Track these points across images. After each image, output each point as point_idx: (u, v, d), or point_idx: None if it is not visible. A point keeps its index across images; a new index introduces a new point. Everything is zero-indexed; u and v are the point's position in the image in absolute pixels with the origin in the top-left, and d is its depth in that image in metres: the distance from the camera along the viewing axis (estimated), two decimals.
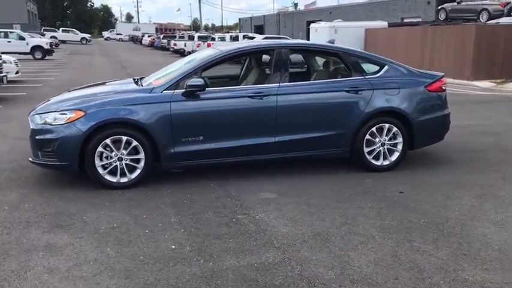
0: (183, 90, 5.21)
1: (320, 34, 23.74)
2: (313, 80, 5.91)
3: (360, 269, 3.43)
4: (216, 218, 4.41)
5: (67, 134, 5.01)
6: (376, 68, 5.91)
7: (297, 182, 5.44)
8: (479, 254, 3.67)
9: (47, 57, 33.15)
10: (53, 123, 5.08)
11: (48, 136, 5.07)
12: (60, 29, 65.08)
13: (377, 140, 5.77)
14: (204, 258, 3.60)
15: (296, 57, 6.99)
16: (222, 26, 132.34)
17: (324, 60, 6.51)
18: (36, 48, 33.07)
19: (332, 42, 6.39)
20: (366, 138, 5.72)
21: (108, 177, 5.17)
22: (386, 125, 5.74)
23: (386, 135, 5.78)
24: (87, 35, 65.54)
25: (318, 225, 4.22)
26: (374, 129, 5.72)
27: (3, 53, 31.91)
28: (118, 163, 5.16)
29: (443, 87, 6.08)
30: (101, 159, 5.13)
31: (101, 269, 3.44)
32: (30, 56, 32.34)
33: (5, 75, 12.65)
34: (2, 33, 33.15)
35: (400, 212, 4.54)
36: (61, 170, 5.25)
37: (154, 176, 5.48)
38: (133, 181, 5.22)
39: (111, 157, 5.13)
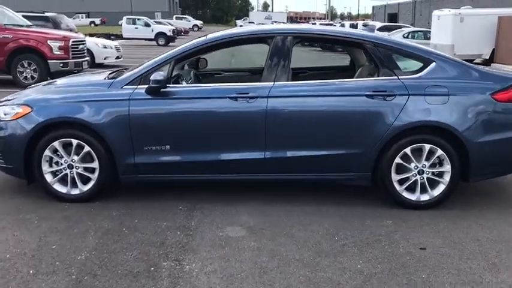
0: (146, 86, 4.13)
1: (443, 23, 20.87)
2: (328, 80, 4.35)
3: None
4: (134, 262, 3.27)
5: (12, 132, 4.24)
6: (419, 65, 4.24)
7: (286, 215, 4.07)
8: None
9: (170, 44, 34.31)
10: (3, 119, 4.32)
11: None
12: (174, 16, 68.18)
13: (412, 165, 4.13)
14: None
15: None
16: (358, 14, 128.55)
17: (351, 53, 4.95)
18: (160, 34, 34.43)
19: (371, 30, 4.68)
20: (395, 162, 4.13)
21: (58, 187, 4.31)
22: (427, 146, 4.08)
23: (426, 159, 4.12)
24: (199, 22, 68.28)
25: None
26: (408, 150, 4.10)
27: (129, 38, 33.62)
28: (68, 171, 4.26)
29: None
30: (51, 165, 4.27)
31: None
32: (154, 42, 33.79)
33: (86, 60, 12.65)
34: (131, 20, 34.97)
35: None
36: (8, 173, 4.48)
37: (123, 190, 4.51)
38: (86, 194, 4.29)
39: (62, 164, 4.25)
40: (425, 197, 4.19)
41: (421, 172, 4.14)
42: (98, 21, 71.79)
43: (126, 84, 4.20)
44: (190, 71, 5.31)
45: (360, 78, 4.72)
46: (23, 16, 13.40)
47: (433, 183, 4.19)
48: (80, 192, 4.29)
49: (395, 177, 4.16)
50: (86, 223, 3.88)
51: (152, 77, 4.04)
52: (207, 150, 4.18)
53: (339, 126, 4.10)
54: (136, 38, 33.76)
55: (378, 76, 4.19)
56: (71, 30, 15.83)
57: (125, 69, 4.93)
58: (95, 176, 4.26)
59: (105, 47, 17.09)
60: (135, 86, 4.18)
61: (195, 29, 64.84)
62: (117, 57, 17.40)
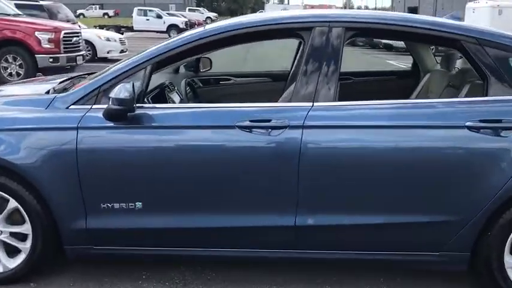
0: (105, 107, 2.53)
1: (479, 16, 18.98)
2: (401, 100, 2.69)
3: None
4: None
5: None
6: None
7: None
8: None
9: None
10: None
11: None
12: (187, 8, 66.18)
13: None
14: None
15: None
16: (375, 7, 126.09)
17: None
18: (172, 27, 33.36)
19: (457, 18, 3.06)
20: (511, 236, 2.49)
21: None
22: None
23: None
24: (213, 14, 65.90)
25: None
26: None
27: (140, 30, 32.51)
28: None
29: None
30: None
31: None
32: (166, 35, 32.43)
33: (81, 55, 11.18)
34: (142, 12, 33.91)
35: None
36: None
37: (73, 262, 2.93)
38: (13, 272, 2.74)
39: None
40: None
41: None
42: (111, 12, 70.81)
43: (74, 103, 2.61)
44: (186, 77, 3.73)
45: (430, 90, 3.11)
46: (16, 5, 11.98)
47: None
48: (5, 270, 2.74)
49: (509, 259, 2.53)
50: None
51: (113, 94, 2.44)
52: (201, 212, 2.59)
53: (419, 178, 2.47)
54: (147, 30, 32.55)
55: (486, 94, 2.54)
56: (68, 21, 14.32)
57: (88, 74, 3.35)
58: (26, 246, 2.69)
59: (108, 39, 15.68)
60: (89, 106, 2.59)
61: (208, 21, 63.17)
62: (122, 51, 15.96)
